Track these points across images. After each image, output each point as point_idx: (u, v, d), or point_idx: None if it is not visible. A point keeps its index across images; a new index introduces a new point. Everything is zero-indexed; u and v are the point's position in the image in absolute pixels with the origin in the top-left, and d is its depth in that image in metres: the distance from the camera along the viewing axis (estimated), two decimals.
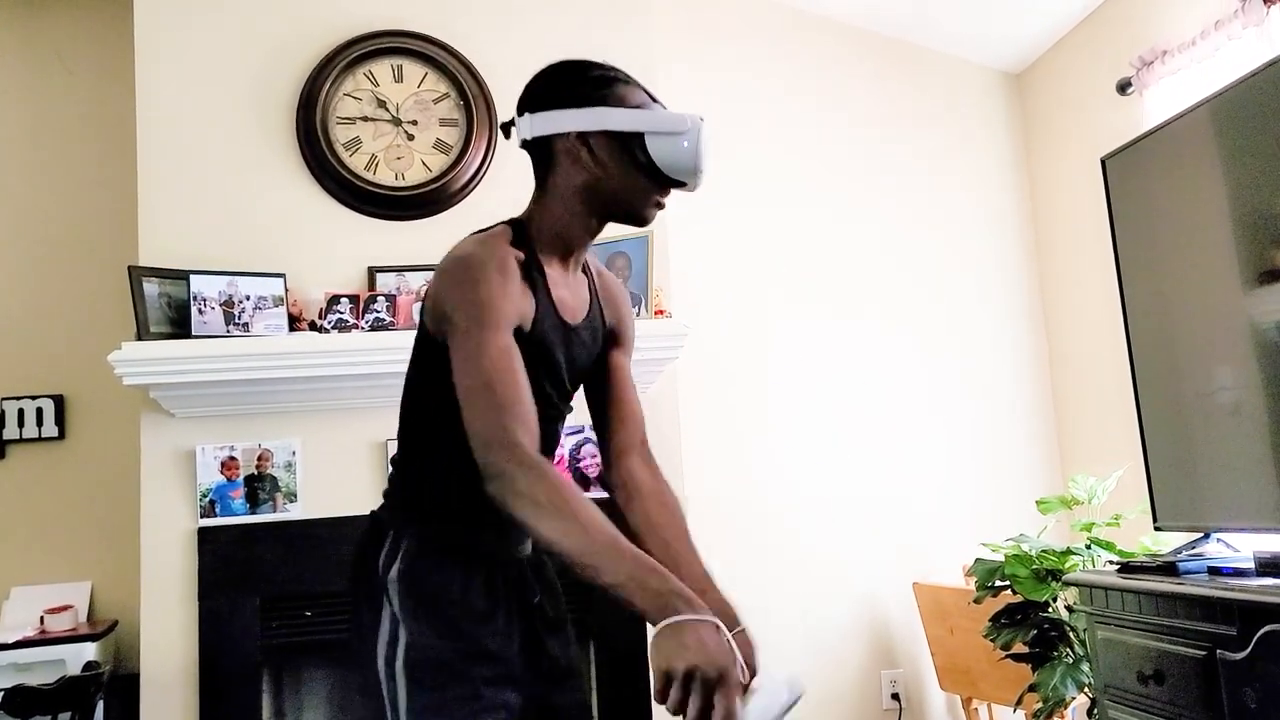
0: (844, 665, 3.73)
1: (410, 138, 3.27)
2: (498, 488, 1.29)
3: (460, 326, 1.37)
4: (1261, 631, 1.78)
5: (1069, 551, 2.83)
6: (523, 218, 1.53)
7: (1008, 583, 2.86)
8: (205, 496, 2.98)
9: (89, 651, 2.99)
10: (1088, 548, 2.84)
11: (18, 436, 3.44)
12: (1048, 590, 2.77)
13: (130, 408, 3.12)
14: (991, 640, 2.86)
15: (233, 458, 3.01)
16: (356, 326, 3.03)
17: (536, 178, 1.53)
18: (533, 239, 1.50)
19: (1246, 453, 2.19)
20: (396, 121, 3.27)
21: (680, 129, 1.45)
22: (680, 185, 1.49)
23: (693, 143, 1.45)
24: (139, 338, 2.89)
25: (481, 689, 1.43)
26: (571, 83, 1.49)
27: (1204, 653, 1.92)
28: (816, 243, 3.92)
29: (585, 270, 1.63)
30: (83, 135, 3.60)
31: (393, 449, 2.98)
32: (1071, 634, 2.80)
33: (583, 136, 1.46)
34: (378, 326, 3.03)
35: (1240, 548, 2.30)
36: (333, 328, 3.01)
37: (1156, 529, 2.52)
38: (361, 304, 3.05)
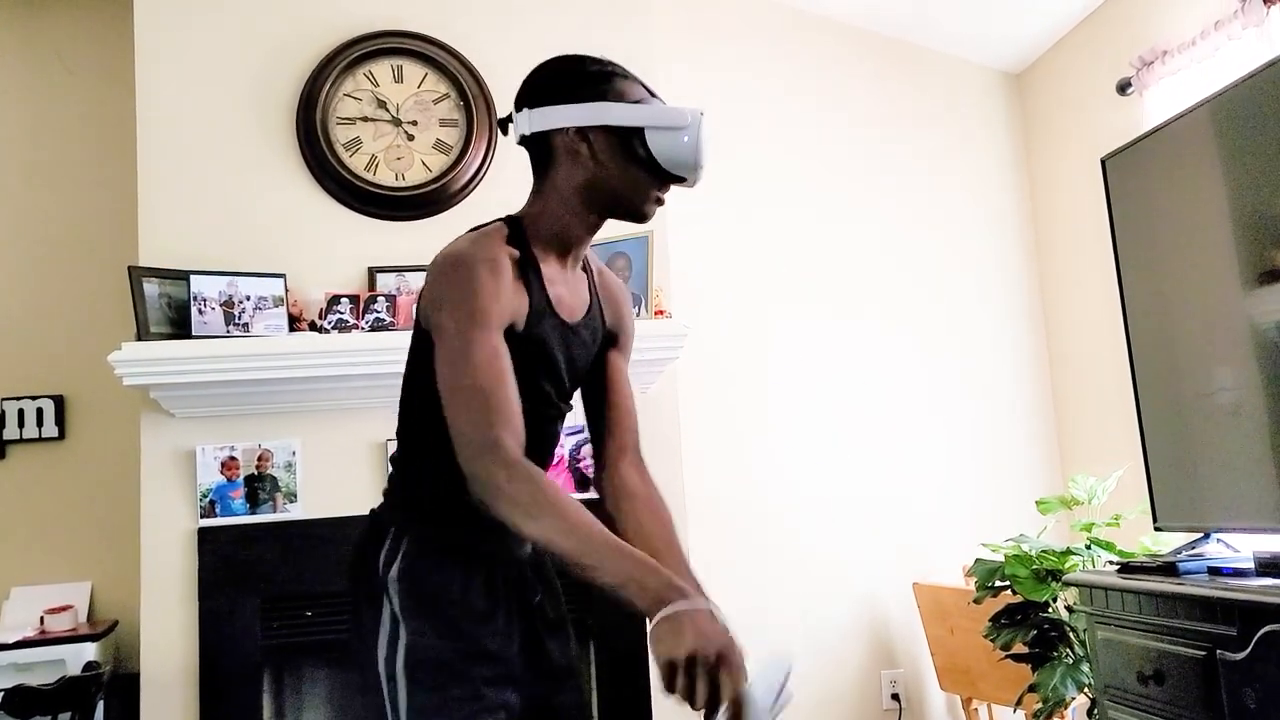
0: (844, 665, 3.73)
1: (410, 138, 3.27)
2: (481, 491, 1.29)
3: (447, 326, 1.37)
4: (1261, 632, 1.78)
5: (1069, 552, 2.83)
6: (520, 214, 1.52)
7: (1008, 583, 2.86)
8: (205, 496, 2.98)
9: (89, 652, 2.99)
10: (1088, 548, 2.84)
11: (18, 436, 3.44)
12: (1048, 590, 2.77)
13: (130, 408, 3.12)
14: (991, 640, 2.86)
15: (233, 458, 3.01)
16: (356, 327, 3.03)
17: (534, 174, 1.52)
18: (529, 236, 1.49)
19: (1246, 453, 2.19)
20: (397, 122, 3.27)
21: (680, 124, 1.44)
22: (680, 181, 1.48)
23: (693, 137, 1.44)
24: (139, 338, 2.89)
25: (482, 689, 1.43)
26: (570, 77, 1.48)
27: (1204, 653, 1.92)
28: (816, 243, 3.93)
29: (586, 268, 1.62)
30: (83, 135, 3.60)
31: (393, 449, 2.98)
32: (1071, 634, 2.80)
33: (582, 132, 1.45)
34: (378, 327, 3.03)
35: (1240, 548, 2.30)
36: (333, 328, 3.01)
37: (1156, 529, 2.52)
38: (361, 304, 3.05)
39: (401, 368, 1.55)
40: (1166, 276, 2.45)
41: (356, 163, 3.22)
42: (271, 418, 3.06)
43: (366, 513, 1.59)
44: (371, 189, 3.20)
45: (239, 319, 2.97)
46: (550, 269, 1.51)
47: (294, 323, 3.03)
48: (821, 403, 3.85)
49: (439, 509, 1.51)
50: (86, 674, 2.66)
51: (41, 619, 3.14)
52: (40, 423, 3.45)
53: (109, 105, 3.56)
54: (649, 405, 3.25)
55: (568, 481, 3.13)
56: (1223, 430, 2.26)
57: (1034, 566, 2.82)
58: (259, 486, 3.02)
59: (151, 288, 2.96)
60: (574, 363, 1.56)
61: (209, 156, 3.17)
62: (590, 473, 3.15)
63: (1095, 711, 2.56)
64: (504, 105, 1.60)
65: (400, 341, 1.56)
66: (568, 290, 1.54)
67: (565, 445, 3.12)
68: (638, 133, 1.44)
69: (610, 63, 1.50)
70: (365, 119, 3.25)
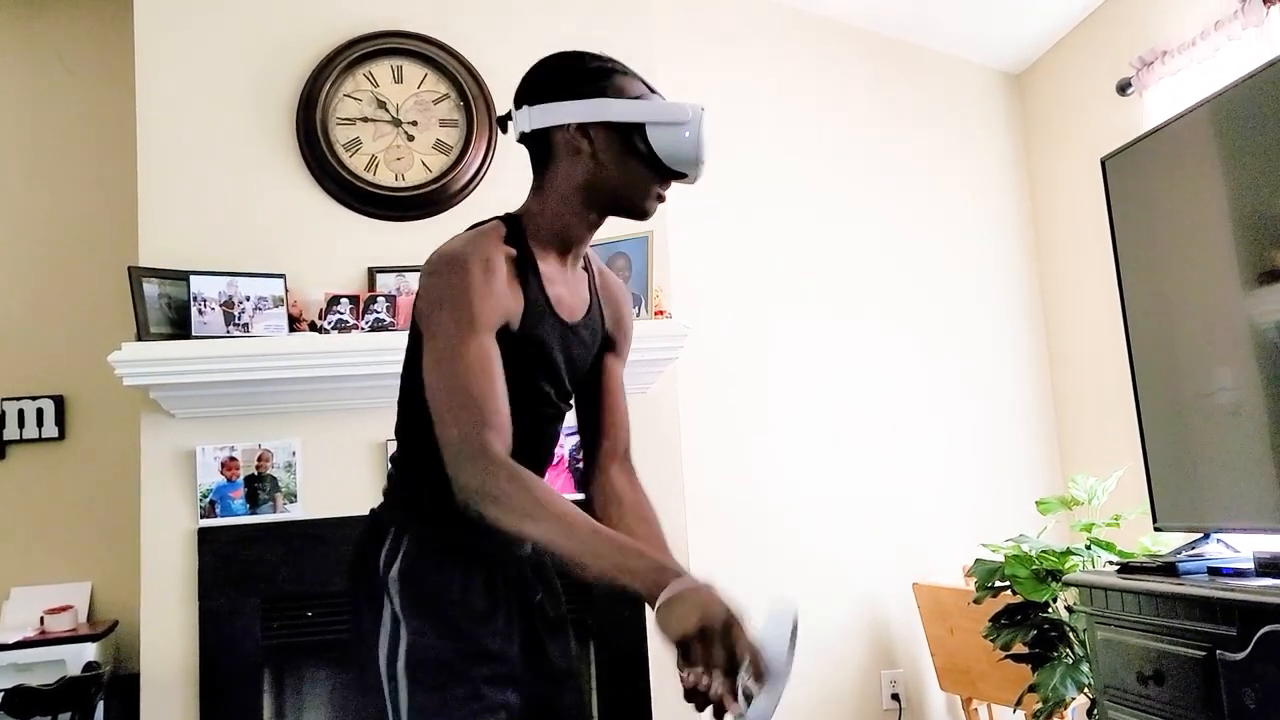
0: (844, 665, 3.73)
1: (410, 138, 3.27)
2: (467, 494, 1.29)
3: (437, 328, 1.37)
4: (1261, 632, 1.78)
5: (1069, 552, 2.83)
6: (519, 212, 1.51)
7: (1008, 583, 2.86)
8: (205, 497, 2.98)
9: (89, 652, 2.99)
10: (1087, 548, 2.84)
11: (18, 437, 3.44)
12: (1048, 591, 2.77)
13: (130, 408, 3.12)
14: (991, 640, 2.86)
15: (233, 458, 3.01)
16: (356, 327, 3.03)
17: (534, 171, 1.51)
18: (528, 234, 1.48)
19: (1246, 453, 2.19)
20: (396, 122, 3.27)
21: (682, 119, 1.44)
22: (681, 177, 1.47)
23: (694, 133, 1.44)
24: (139, 338, 2.89)
25: (482, 689, 1.43)
26: (570, 74, 1.47)
27: (1204, 653, 1.92)
28: (816, 243, 3.93)
29: (587, 268, 1.61)
30: (83, 135, 3.60)
31: (393, 449, 2.98)
32: (1071, 634, 2.80)
33: (583, 128, 1.44)
34: (378, 327, 3.03)
35: (1240, 548, 2.30)
36: (333, 328, 3.01)
37: (1156, 529, 2.52)
38: (361, 304, 3.05)
39: (401, 368, 1.55)
40: (1166, 276, 2.45)
41: (356, 163, 3.22)
42: (271, 418, 3.06)
43: (366, 512, 1.59)
44: (371, 189, 3.20)
45: (239, 319, 2.97)
46: (549, 267, 1.50)
47: (294, 323, 3.03)
48: (821, 403, 3.85)
49: (439, 508, 1.50)
50: (86, 674, 2.66)
51: (41, 619, 3.14)
52: (40, 423, 3.45)
53: (109, 105, 3.56)
54: (649, 405, 3.25)
55: (567, 481, 3.13)
56: (1223, 430, 2.26)
57: (1034, 567, 2.82)
58: (259, 487, 3.02)
59: (151, 288, 2.96)
60: (573, 363, 1.56)
61: (209, 156, 3.17)
62: None
63: (1095, 712, 2.56)
64: (504, 105, 1.59)
65: (400, 342, 1.56)
66: (567, 289, 1.53)
67: (565, 445, 3.12)
68: (639, 128, 1.44)
69: (610, 59, 1.50)
70: (365, 119, 3.25)
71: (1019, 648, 2.82)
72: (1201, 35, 3.02)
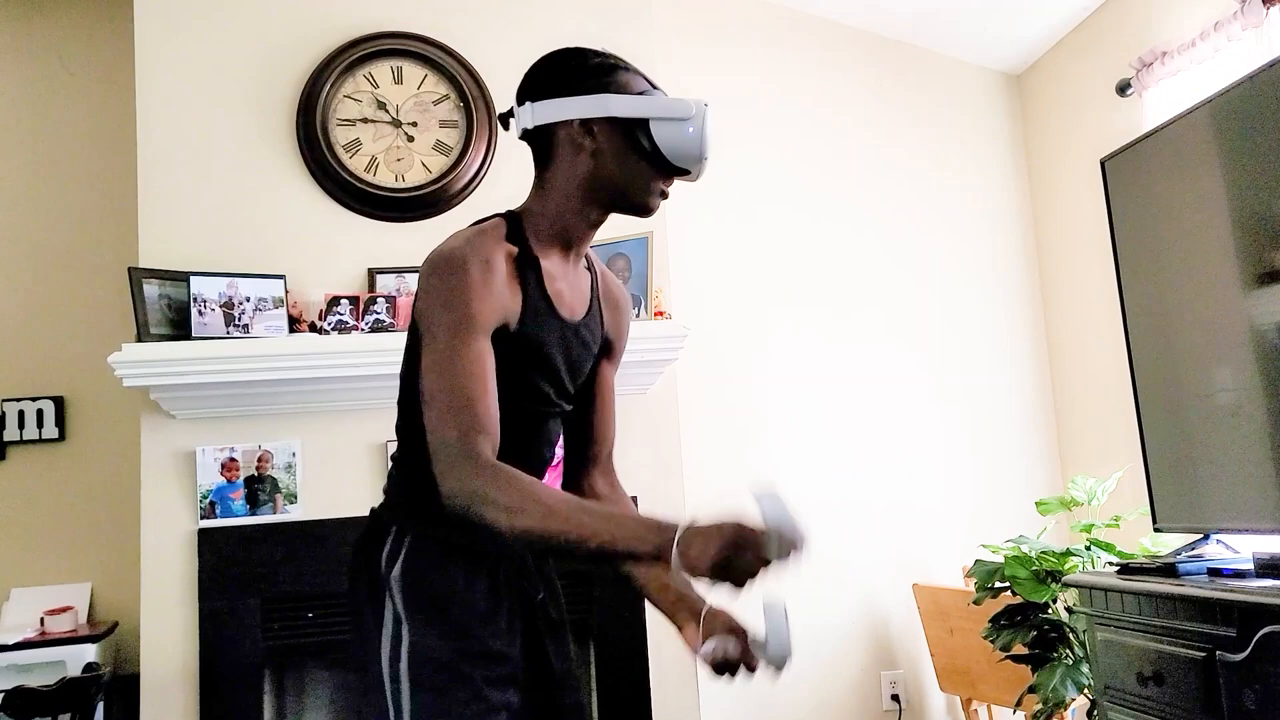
0: (844, 666, 3.73)
1: (410, 139, 3.27)
2: (456, 497, 1.29)
3: (433, 329, 1.37)
4: (1261, 633, 1.78)
5: (1068, 553, 2.83)
6: (520, 210, 1.51)
7: (1007, 584, 2.87)
8: (205, 498, 2.98)
9: (89, 653, 2.99)
10: (1087, 549, 2.84)
11: (18, 438, 3.44)
12: (1047, 591, 2.77)
13: (130, 409, 3.13)
14: (991, 641, 2.86)
15: (233, 459, 3.02)
16: (356, 328, 3.03)
17: (536, 168, 1.51)
18: (529, 232, 1.48)
19: (1246, 454, 2.19)
20: (396, 123, 3.27)
21: (685, 114, 1.43)
22: (684, 173, 1.47)
23: (698, 128, 1.43)
24: (139, 339, 2.89)
25: (484, 690, 1.43)
26: (573, 70, 1.46)
27: (1203, 654, 1.92)
28: (816, 243, 3.93)
29: (590, 268, 1.60)
30: (83, 136, 3.60)
31: (393, 450, 2.98)
32: (1071, 635, 2.80)
33: (585, 124, 1.44)
34: (378, 328, 3.03)
35: (1240, 549, 2.30)
36: (333, 329, 3.02)
37: (1156, 530, 2.53)
38: (361, 305, 3.06)
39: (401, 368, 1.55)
40: (1166, 277, 2.45)
41: (356, 164, 3.22)
42: (271, 419, 3.06)
43: (366, 513, 1.59)
44: (371, 190, 3.20)
45: (239, 320, 2.97)
46: (551, 264, 1.49)
47: (294, 324, 3.03)
48: (821, 403, 3.85)
49: (439, 507, 1.50)
50: (86, 675, 2.66)
51: (41, 620, 3.14)
52: (40, 424, 3.45)
53: (109, 105, 3.56)
54: (649, 405, 3.26)
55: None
56: (1222, 431, 2.27)
57: (1034, 567, 2.82)
58: (259, 487, 3.02)
59: (151, 289, 2.96)
60: (573, 362, 1.55)
61: (209, 157, 3.17)
62: None
63: (1095, 712, 2.56)
64: (504, 106, 1.58)
65: (400, 343, 1.56)
66: (569, 287, 1.53)
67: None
68: (642, 124, 1.43)
69: (613, 55, 1.49)
70: (365, 120, 3.26)
71: (1019, 648, 2.82)
72: (1201, 36, 3.02)
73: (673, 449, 3.26)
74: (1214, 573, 2.11)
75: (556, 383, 1.53)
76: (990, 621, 2.90)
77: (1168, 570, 2.19)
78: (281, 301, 3.02)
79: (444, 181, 3.23)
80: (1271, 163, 2.07)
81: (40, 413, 3.45)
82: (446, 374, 1.34)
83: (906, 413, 3.92)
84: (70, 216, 3.57)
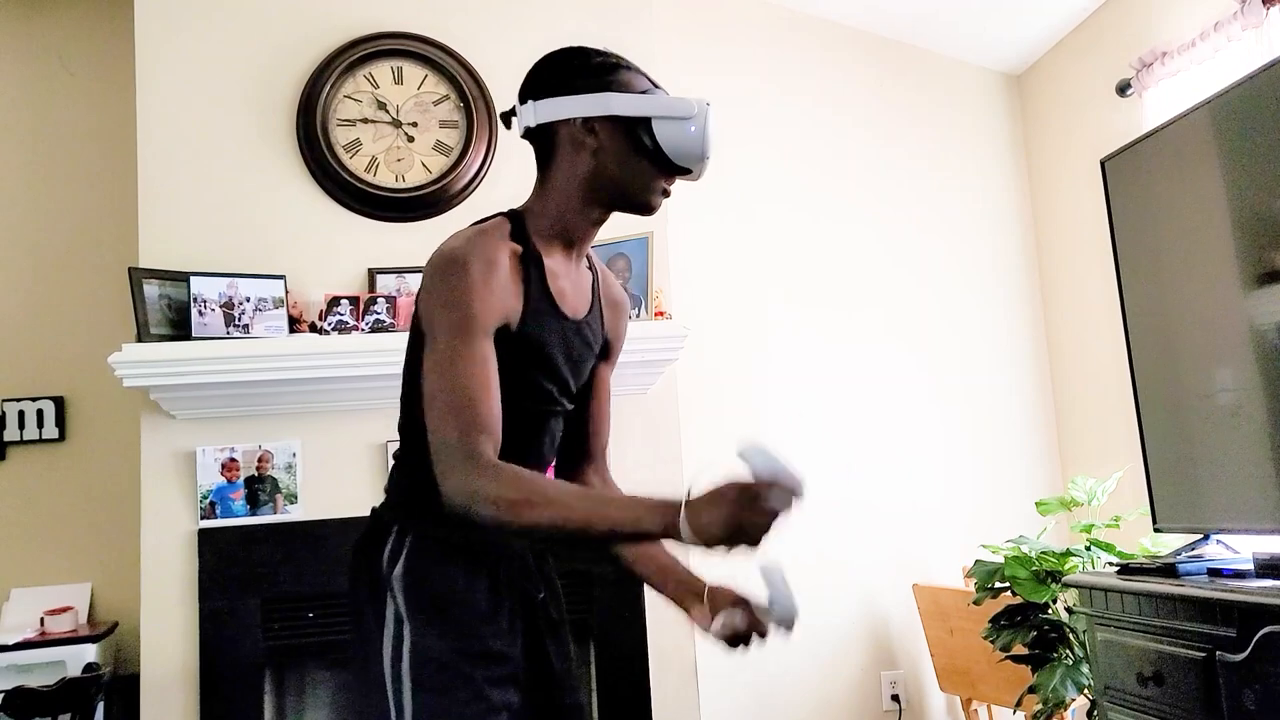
0: (844, 666, 3.73)
1: (410, 139, 3.27)
2: (458, 498, 1.30)
3: (436, 331, 1.37)
4: (1261, 633, 1.78)
5: (1068, 553, 2.83)
6: (522, 209, 1.51)
7: (1007, 584, 2.87)
8: (205, 498, 2.98)
9: (89, 653, 2.99)
10: (1087, 549, 2.84)
11: (18, 438, 3.44)
12: (1047, 592, 2.77)
13: (130, 409, 3.13)
14: (991, 641, 2.86)
15: (233, 459, 3.02)
16: (356, 328, 3.03)
17: (539, 167, 1.51)
18: (532, 230, 1.48)
19: (1246, 454, 2.19)
20: (396, 123, 3.27)
21: (688, 113, 1.44)
22: (686, 172, 1.47)
23: (700, 127, 1.44)
24: (139, 339, 2.89)
25: (486, 690, 1.43)
26: (575, 69, 1.47)
27: (1203, 654, 1.92)
28: (816, 244, 3.93)
29: (591, 268, 1.61)
30: (83, 136, 3.60)
31: (393, 450, 2.98)
32: (1071, 635, 2.80)
33: (587, 122, 1.44)
34: (378, 328, 3.03)
35: (1240, 549, 2.30)
36: (333, 329, 3.02)
37: (1156, 530, 2.53)
38: (361, 306, 3.06)
39: (401, 369, 1.55)
40: (1166, 278, 2.45)
41: (356, 164, 3.22)
42: (272, 419, 3.06)
43: (366, 514, 1.59)
44: (371, 190, 3.20)
45: (239, 320, 2.97)
46: (554, 263, 1.49)
47: (294, 324, 3.03)
48: (821, 403, 3.85)
49: (442, 507, 1.50)
50: (86, 675, 2.66)
51: (42, 620, 3.14)
52: (40, 424, 3.45)
53: (109, 105, 3.56)
54: (649, 405, 3.26)
55: None
56: (1222, 432, 2.27)
57: (1033, 568, 2.82)
58: (259, 488, 3.02)
59: (151, 289, 2.96)
60: (575, 361, 1.55)
61: (209, 157, 3.17)
62: None
63: (1095, 713, 2.56)
64: (504, 106, 1.59)
65: (400, 343, 1.56)
66: (571, 286, 1.53)
67: None
68: (644, 123, 1.44)
69: (615, 54, 1.49)
70: (365, 120, 3.26)
71: (1019, 649, 2.82)
72: (1201, 36, 3.02)
73: (673, 449, 3.26)
74: (1214, 573, 2.11)
75: (559, 381, 1.54)
76: (990, 622, 2.90)
77: (1168, 570, 2.19)
78: (281, 302, 3.02)
79: (444, 182, 3.24)
80: (1271, 163, 2.07)
81: (40, 413, 3.45)
82: (448, 375, 1.34)
83: (906, 413, 3.92)
84: (70, 216, 3.56)
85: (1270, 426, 2.11)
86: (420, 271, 3.14)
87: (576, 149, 1.46)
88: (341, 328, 3.02)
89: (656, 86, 1.49)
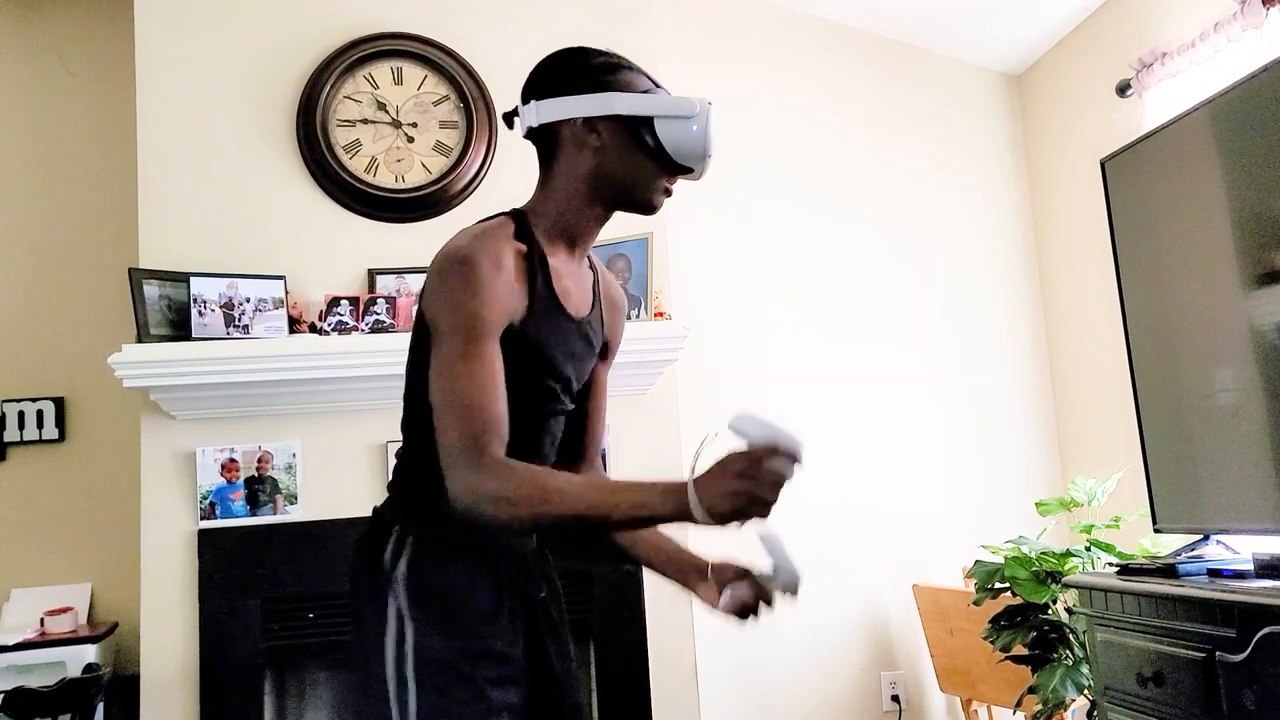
0: (844, 667, 3.73)
1: (410, 140, 3.27)
2: (468, 498, 1.30)
3: (444, 332, 1.37)
4: (1261, 634, 1.78)
5: (1068, 553, 2.83)
6: (525, 208, 1.51)
7: (1007, 584, 2.87)
8: (205, 498, 2.99)
9: (89, 654, 2.99)
10: (1087, 550, 2.84)
11: (18, 438, 3.44)
12: (1047, 592, 2.77)
13: (130, 410, 3.13)
14: (991, 642, 2.86)
15: (233, 460, 3.02)
16: (356, 329, 3.03)
17: (541, 166, 1.52)
18: (536, 229, 1.48)
19: (1246, 455, 2.19)
20: (396, 124, 3.27)
21: (690, 113, 1.45)
22: (688, 171, 1.48)
23: (702, 126, 1.45)
24: (139, 340, 2.89)
25: (487, 690, 1.43)
26: (577, 69, 1.48)
27: (1203, 655, 1.92)
28: (816, 244, 3.93)
29: (592, 267, 1.61)
30: (83, 136, 3.60)
31: (393, 451, 2.98)
32: (1071, 636, 2.80)
33: (589, 122, 1.45)
34: (378, 329, 3.03)
35: (1240, 550, 2.30)
36: (333, 330, 3.02)
37: (1156, 531, 2.52)
38: (361, 306, 3.06)
39: (401, 370, 1.54)
40: (1166, 278, 2.45)
41: (356, 164, 3.22)
42: (272, 419, 3.06)
43: (366, 514, 1.59)
44: (371, 191, 3.20)
45: (239, 321, 2.97)
46: (558, 262, 1.50)
47: (294, 324, 3.03)
48: (821, 403, 3.85)
49: (444, 505, 1.50)
50: (86, 676, 2.66)
51: (42, 621, 3.14)
52: (40, 424, 3.45)
53: (109, 105, 3.56)
54: (649, 405, 3.26)
55: None
56: (1222, 432, 2.27)
57: (1033, 568, 2.82)
58: (259, 488, 3.02)
59: (151, 289, 2.96)
60: (579, 359, 1.56)
61: (209, 158, 3.17)
62: None
63: (1095, 713, 2.56)
64: (503, 107, 1.59)
65: (400, 344, 1.55)
66: (574, 283, 1.53)
67: None
68: (646, 122, 1.44)
69: (617, 54, 1.50)
70: (365, 121, 3.26)
71: (1019, 649, 2.82)
72: (1201, 37, 3.02)
73: (673, 449, 3.26)
74: (1214, 573, 2.11)
75: (563, 380, 1.54)
76: (990, 622, 2.90)
77: (1168, 571, 2.19)
78: (281, 302, 3.02)
79: (444, 182, 3.24)
80: (1271, 163, 2.07)
81: (40, 413, 3.46)
82: (457, 377, 1.34)
83: (906, 413, 3.92)
84: (70, 216, 3.57)
85: (1270, 426, 2.11)
86: (420, 272, 3.18)
87: (579, 148, 1.46)
88: (341, 328, 3.02)
89: (658, 86, 1.50)
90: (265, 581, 2.98)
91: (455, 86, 3.29)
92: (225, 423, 3.04)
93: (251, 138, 3.20)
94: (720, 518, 1.22)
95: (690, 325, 3.26)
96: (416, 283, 3.15)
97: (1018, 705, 2.91)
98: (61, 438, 3.47)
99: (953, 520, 3.85)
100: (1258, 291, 2.15)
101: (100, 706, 2.71)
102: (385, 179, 3.23)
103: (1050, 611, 2.84)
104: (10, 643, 3.00)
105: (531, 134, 1.51)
